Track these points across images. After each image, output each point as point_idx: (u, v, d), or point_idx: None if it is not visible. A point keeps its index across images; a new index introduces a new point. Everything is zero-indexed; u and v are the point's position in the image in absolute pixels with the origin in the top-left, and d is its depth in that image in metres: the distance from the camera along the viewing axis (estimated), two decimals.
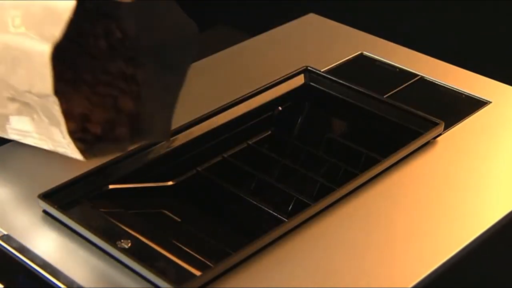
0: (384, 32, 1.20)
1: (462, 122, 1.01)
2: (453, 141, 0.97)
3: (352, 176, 0.90)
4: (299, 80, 1.06)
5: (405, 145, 0.93)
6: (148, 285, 0.76)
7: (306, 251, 0.81)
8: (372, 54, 1.15)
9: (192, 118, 0.97)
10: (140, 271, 0.77)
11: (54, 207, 0.83)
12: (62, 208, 0.84)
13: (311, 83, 1.06)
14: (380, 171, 0.91)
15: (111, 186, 0.89)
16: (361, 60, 1.14)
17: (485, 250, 0.86)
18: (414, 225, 0.85)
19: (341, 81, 1.05)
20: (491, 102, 1.04)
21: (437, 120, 0.97)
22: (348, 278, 0.78)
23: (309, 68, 1.07)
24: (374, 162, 0.92)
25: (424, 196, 0.89)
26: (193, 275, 0.79)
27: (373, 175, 0.90)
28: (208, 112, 0.97)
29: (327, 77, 1.07)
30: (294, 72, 1.06)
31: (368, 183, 0.89)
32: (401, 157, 0.93)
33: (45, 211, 0.85)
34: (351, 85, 1.03)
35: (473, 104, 1.04)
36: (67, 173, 0.89)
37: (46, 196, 0.85)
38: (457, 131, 0.99)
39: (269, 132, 1.02)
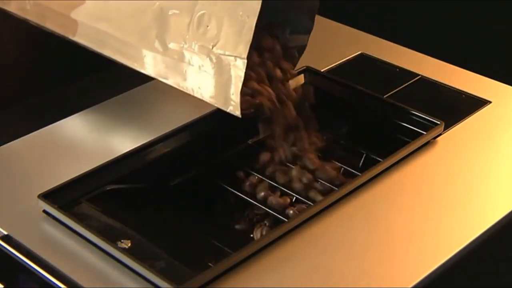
0: (384, 32, 1.20)
1: (462, 122, 1.01)
2: (453, 141, 0.97)
3: (352, 176, 0.90)
4: (299, 80, 1.06)
5: (405, 145, 0.93)
6: (148, 285, 0.76)
7: (306, 251, 0.81)
8: (372, 54, 1.15)
9: (193, 118, 0.97)
10: (140, 271, 0.77)
11: (54, 207, 0.83)
12: (62, 208, 0.84)
13: (311, 83, 1.06)
14: (380, 171, 0.91)
15: (111, 186, 0.89)
16: (361, 60, 1.14)
17: (485, 250, 0.86)
18: (414, 225, 0.85)
19: (341, 81, 1.05)
20: (491, 102, 1.04)
21: (437, 120, 0.97)
22: (348, 278, 0.78)
23: (309, 68, 1.07)
24: (374, 162, 0.92)
25: (424, 196, 0.89)
26: (193, 275, 0.79)
27: (373, 175, 0.90)
28: (209, 112, 0.97)
29: (327, 77, 1.07)
30: (294, 72, 1.06)
31: (368, 183, 0.89)
32: (401, 157, 0.93)
33: (45, 211, 0.85)
34: (351, 85, 1.03)
35: (473, 104, 1.04)
36: (67, 173, 0.89)
37: (46, 196, 0.85)
38: (457, 131, 0.99)
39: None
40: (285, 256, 0.80)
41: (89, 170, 0.89)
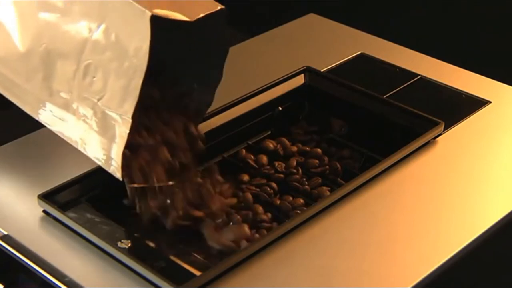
0: (384, 32, 1.20)
1: (462, 122, 1.01)
2: (453, 141, 0.97)
3: (352, 176, 0.90)
4: (299, 80, 1.06)
5: (405, 145, 0.93)
6: (148, 285, 0.76)
7: (306, 251, 0.81)
8: (372, 54, 1.15)
9: None
10: (140, 271, 0.77)
11: (54, 207, 0.83)
12: (62, 208, 0.84)
13: (311, 83, 1.06)
14: (380, 171, 0.91)
15: (111, 186, 0.89)
16: (361, 60, 1.14)
17: (486, 250, 0.86)
18: (414, 225, 0.85)
19: (341, 81, 1.05)
20: (491, 102, 1.04)
21: (437, 120, 0.97)
22: (348, 278, 0.78)
23: (309, 68, 1.07)
24: (374, 162, 0.92)
25: (424, 196, 0.89)
26: (193, 275, 0.79)
27: (373, 175, 0.90)
28: (209, 112, 0.97)
29: (327, 77, 1.07)
30: (294, 72, 1.06)
31: (368, 183, 0.89)
32: (401, 157, 0.93)
33: (45, 211, 0.85)
34: (351, 85, 1.03)
35: (473, 104, 1.04)
36: (67, 173, 0.89)
37: (46, 196, 0.85)
38: (457, 131, 0.99)
39: (269, 132, 1.02)
40: (285, 256, 0.80)
41: (89, 170, 0.88)
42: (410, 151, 0.94)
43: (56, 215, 0.84)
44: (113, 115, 0.78)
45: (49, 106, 0.83)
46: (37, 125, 0.99)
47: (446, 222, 0.86)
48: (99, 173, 0.88)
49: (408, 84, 1.08)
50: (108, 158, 0.79)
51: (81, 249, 0.81)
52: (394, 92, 1.06)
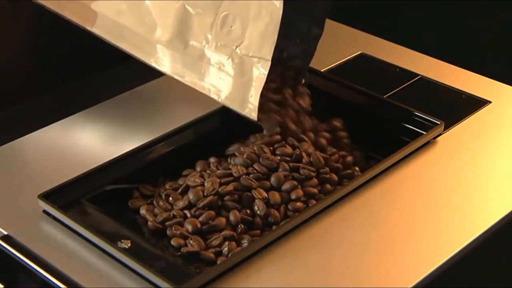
0: (384, 32, 1.20)
1: (462, 122, 1.01)
2: (453, 141, 0.97)
3: (353, 176, 0.90)
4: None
5: (405, 145, 0.93)
6: (148, 285, 0.76)
7: (306, 251, 0.81)
8: (372, 54, 1.15)
9: (193, 118, 0.97)
10: (140, 271, 0.77)
11: (54, 207, 0.84)
12: (62, 208, 0.84)
13: (311, 83, 1.06)
14: (380, 171, 0.91)
15: (111, 186, 0.89)
16: (361, 60, 1.14)
17: (485, 250, 0.86)
18: (414, 225, 0.85)
19: (341, 81, 1.05)
20: (491, 102, 1.04)
21: (437, 120, 0.97)
22: (348, 278, 0.78)
23: (309, 68, 1.07)
24: (374, 162, 0.92)
25: (424, 196, 0.89)
26: (193, 275, 0.79)
27: (373, 175, 0.90)
28: (209, 112, 0.97)
29: (327, 77, 1.06)
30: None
31: (368, 183, 0.89)
32: (401, 157, 0.93)
33: (45, 211, 0.85)
34: (351, 85, 1.03)
35: (473, 104, 1.04)
36: (67, 173, 0.89)
37: (46, 196, 0.85)
38: (457, 131, 0.99)
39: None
40: (285, 256, 0.80)
41: (89, 170, 0.89)
42: (410, 151, 0.94)
43: (56, 215, 0.84)
44: (252, 59, 0.83)
45: (182, 58, 0.88)
46: (37, 125, 0.99)
47: (446, 222, 0.86)
48: (99, 173, 0.89)
49: (408, 84, 1.08)
50: (244, 100, 0.83)
51: (81, 249, 0.81)
52: (394, 92, 1.06)
